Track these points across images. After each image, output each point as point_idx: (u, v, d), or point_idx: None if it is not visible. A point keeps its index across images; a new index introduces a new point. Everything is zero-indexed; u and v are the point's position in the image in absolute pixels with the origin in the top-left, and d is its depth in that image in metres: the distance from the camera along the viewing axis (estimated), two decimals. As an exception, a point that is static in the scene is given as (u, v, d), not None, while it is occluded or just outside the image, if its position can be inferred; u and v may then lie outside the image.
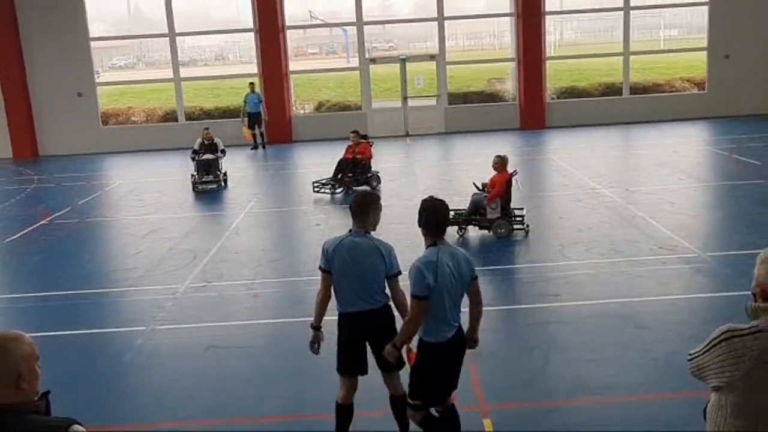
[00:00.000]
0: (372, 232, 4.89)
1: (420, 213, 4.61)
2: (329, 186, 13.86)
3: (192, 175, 15.09)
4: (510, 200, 10.43)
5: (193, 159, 15.35)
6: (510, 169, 10.51)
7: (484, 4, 27.16)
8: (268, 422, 5.71)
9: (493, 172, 10.42)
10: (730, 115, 21.17)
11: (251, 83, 21.00)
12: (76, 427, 2.39)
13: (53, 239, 11.87)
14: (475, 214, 10.48)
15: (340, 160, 14.19)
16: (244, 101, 20.76)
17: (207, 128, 15.93)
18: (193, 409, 5.96)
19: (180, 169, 19.31)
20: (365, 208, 4.84)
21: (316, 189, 13.67)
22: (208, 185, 14.91)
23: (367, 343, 4.86)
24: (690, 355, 3.03)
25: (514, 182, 10.46)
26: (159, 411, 5.98)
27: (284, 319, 7.70)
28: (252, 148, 20.49)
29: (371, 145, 14.42)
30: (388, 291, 4.88)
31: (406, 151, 19.71)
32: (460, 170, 16.48)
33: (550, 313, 7.67)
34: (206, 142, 15.46)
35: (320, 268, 4.83)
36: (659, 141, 18.30)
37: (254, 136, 20.64)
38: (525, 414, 5.68)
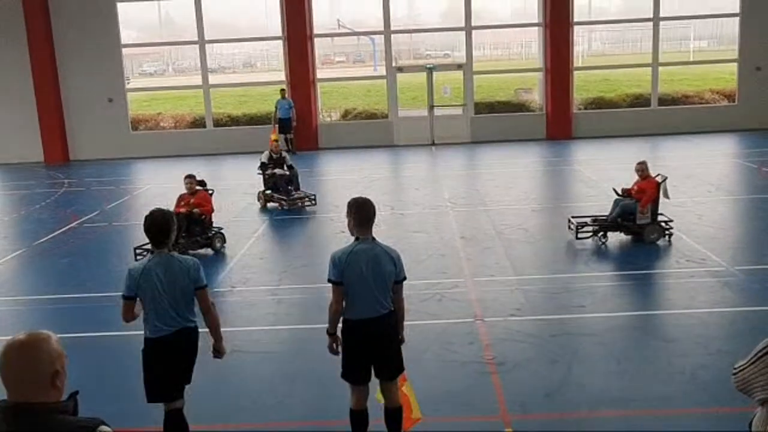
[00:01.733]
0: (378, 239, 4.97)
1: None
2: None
3: (260, 193, 13.97)
4: (658, 206, 10.36)
5: (262, 173, 14.01)
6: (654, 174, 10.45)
7: (512, 13, 27.12)
8: (289, 427, 5.73)
9: (635, 178, 10.46)
10: (760, 127, 20.90)
11: (282, 89, 21.16)
12: (104, 427, 2.42)
13: (82, 242, 12.04)
14: (623, 220, 10.39)
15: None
16: (276, 107, 20.92)
17: (276, 140, 14.74)
18: (215, 412, 6.00)
19: (206, 174, 19.49)
20: (369, 214, 4.84)
21: (138, 257, 10.14)
22: (288, 203, 13.41)
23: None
24: (735, 369, 2.98)
25: (662, 188, 10.36)
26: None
27: (307, 325, 7.72)
28: (287, 152, 20.61)
29: (211, 195, 11.32)
30: None
31: (431, 159, 19.71)
32: (485, 180, 16.45)
33: (572, 324, 7.62)
34: (274, 155, 14.12)
35: (331, 280, 4.78)
36: (688, 153, 18.12)
37: (287, 141, 20.76)
38: (548, 425, 5.65)
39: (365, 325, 4.78)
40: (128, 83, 23.27)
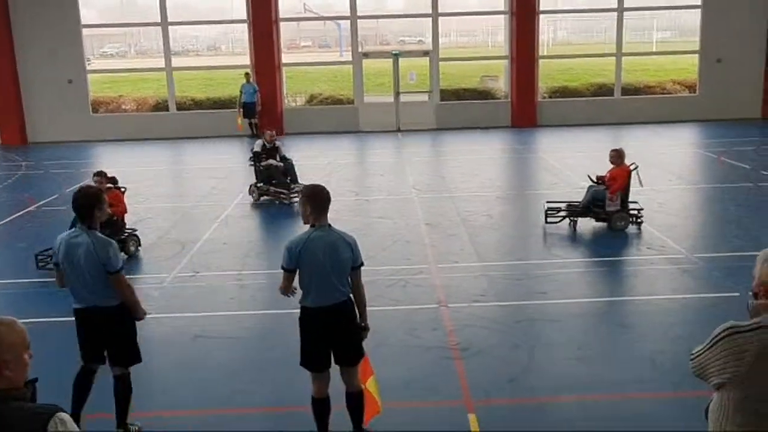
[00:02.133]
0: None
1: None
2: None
3: (252, 186, 13.04)
4: (628, 194, 10.42)
5: (254, 164, 13.18)
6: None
7: (479, 1, 27.15)
8: (253, 413, 5.71)
9: (609, 166, 10.46)
10: (720, 118, 21.28)
11: (247, 73, 20.95)
12: (61, 414, 2.38)
13: (40, 226, 11.80)
14: (593, 206, 10.45)
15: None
16: (240, 91, 20.72)
17: (272, 130, 13.73)
18: (179, 398, 5.95)
19: (168, 159, 19.27)
20: (326, 202, 4.80)
21: (41, 265, 9.24)
22: (281, 197, 12.67)
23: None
24: (692, 354, 3.03)
25: (634, 176, 10.43)
26: (144, 399, 5.94)
27: (271, 310, 7.68)
28: (250, 137, 20.48)
29: (124, 193, 10.08)
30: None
31: (397, 146, 19.70)
32: (450, 166, 16.49)
33: (535, 311, 7.69)
34: (268, 145, 13.20)
35: (283, 267, 4.79)
36: (649, 142, 18.37)
37: (251, 125, 20.60)
38: (510, 410, 5.69)
39: (323, 313, 4.74)
40: (89, 64, 22.80)
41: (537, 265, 9.08)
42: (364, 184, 14.84)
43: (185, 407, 5.79)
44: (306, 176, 15.72)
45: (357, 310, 4.91)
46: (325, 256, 4.65)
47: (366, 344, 6.56)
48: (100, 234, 5.01)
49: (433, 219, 11.44)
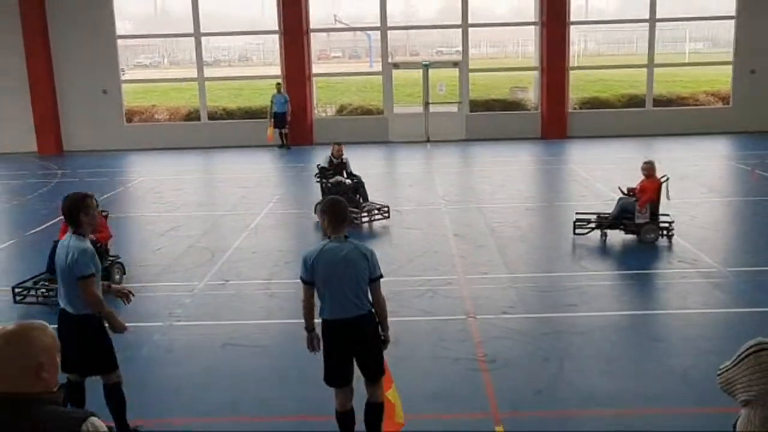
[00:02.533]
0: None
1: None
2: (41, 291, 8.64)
3: (318, 204, 11.22)
4: (659, 206, 10.38)
5: (320, 181, 12.27)
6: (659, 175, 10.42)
7: (509, 11, 27.12)
8: (280, 422, 5.74)
9: (641, 177, 10.44)
10: (754, 130, 20.99)
11: (278, 83, 21.11)
12: (93, 419, 2.41)
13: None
14: (622, 218, 10.41)
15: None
16: (271, 101, 20.86)
17: (339, 143, 12.66)
18: (207, 405, 6.00)
19: (199, 168, 19.49)
20: (342, 213, 4.81)
21: (18, 296, 8.58)
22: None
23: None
24: (720, 369, 3.00)
25: (664, 188, 10.38)
26: (173, 406, 6.04)
27: (299, 319, 7.67)
28: (280, 147, 20.64)
29: (106, 217, 9.46)
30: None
31: (426, 156, 19.72)
32: (479, 177, 16.47)
33: (564, 323, 7.65)
34: (335, 160, 12.36)
35: (301, 278, 4.81)
36: (681, 154, 18.17)
37: (281, 135, 20.75)
38: (538, 423, 5.67)
39: (341, 325, 4.73)
40: (123, 75, 23.18)
41: (566, 277, 9.03)
42: (393, 194, 14.86)
43: (214, 415, 5.84)
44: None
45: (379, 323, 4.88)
46: (339, 268, 4.65)
47: (393, 355, 6.58)
48: (80, 239, 4.97)
49: (461, 230, 11.43)
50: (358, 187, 12.18)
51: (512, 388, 6.12)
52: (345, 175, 12.32)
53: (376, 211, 11.85)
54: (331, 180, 12.12)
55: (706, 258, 9.53)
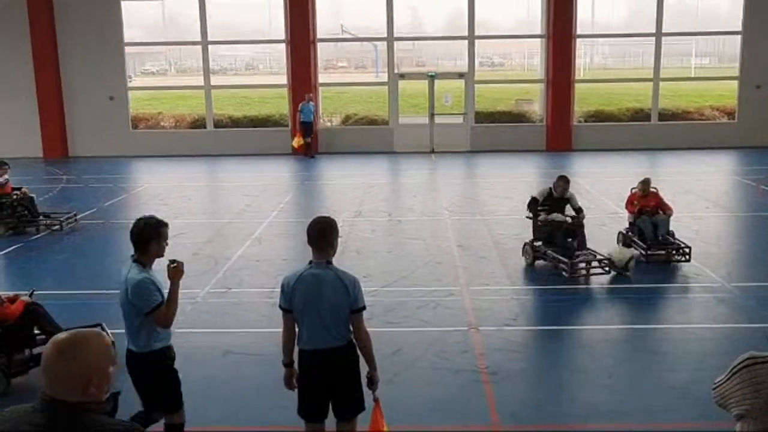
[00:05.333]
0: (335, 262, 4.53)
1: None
2: None
3: (527, 244, 9.99)
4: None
5: (533, 217, 10.07)
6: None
7: (515, 24, 27.20)
8: (282, 430, 5.72)
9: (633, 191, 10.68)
10: (759, 145, 20.97)
11: (308, 94, 20.96)
12: None
13: (78, 239, 12.03)
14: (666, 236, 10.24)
15: None
16: (300, 110, 20.80)
17: (300, 144, 10.60)
18: (207, 414, 5.99)
19: (204, 176, 19.52)
20: (326, 235, 4.42)
21: None
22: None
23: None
24: (714, 384, 3.01)
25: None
26: (173, 414, 6.02)
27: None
28: (311, 157, 20.66)
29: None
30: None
31: (430, 167, 19.74)
32: (483, 189, 16.48)
33: (566, 336, 7.63)
34: (555, 194, 10.08)
35: (279, 306, 4.49)
36: (686, 169, 18.16)
37: (307, 146, 20.74)
38: (538, 436, 5.65)
39: (316, 357, 4.37)
40: (130, 82, 23.29)
41: (568, 290, 9.00)
42: (397, 204, 14.88)
43: (213, 424, 5.84)
44: (339, 197, 15.88)
45: (364, 358, 4.49)
46: (316, 297, 4.31)
47: (395, 366, 6.58)
48: (140, 268, 4.76)
49: (465, 241, 11.42)
50: (577, 229, 9.76)
51: (513, 401, 6.11)
52: (565, 212, 10.06)
53: (595, 263, 9.37)
54: (540, 218, 9.92)
55: (710, 272, 9.51)
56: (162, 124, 23.48)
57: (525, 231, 11.95)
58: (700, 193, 14.77)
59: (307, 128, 20.66)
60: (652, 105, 22.26)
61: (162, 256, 4.85)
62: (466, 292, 8.92)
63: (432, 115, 22.21)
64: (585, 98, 24.28)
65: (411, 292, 8.86)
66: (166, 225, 4.91)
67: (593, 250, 9.58)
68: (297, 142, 20.53)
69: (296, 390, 4.62)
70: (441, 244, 11.23)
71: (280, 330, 4.62)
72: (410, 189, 16.82)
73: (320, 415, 4.55)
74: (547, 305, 8.69)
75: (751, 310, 8.21)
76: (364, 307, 4.42)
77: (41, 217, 12.62)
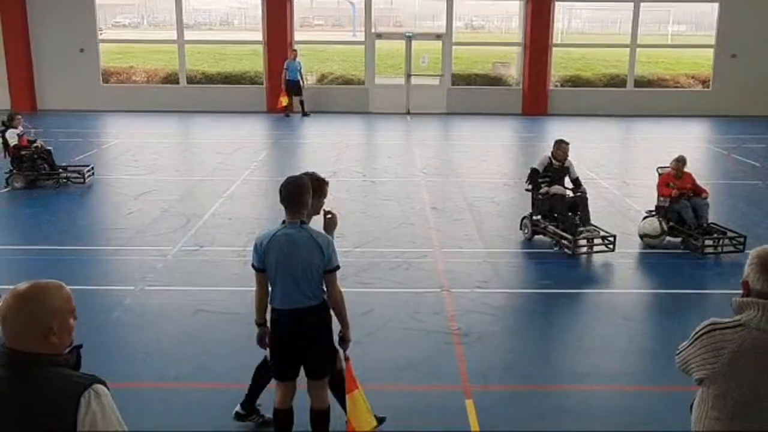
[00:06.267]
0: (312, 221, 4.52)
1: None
2: None
3: (526, 218, 9.52)
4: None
5: (531, 189, 9.50)
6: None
7: (495, -14, 26.93)
8: (251, 389, 5.72)
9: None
10: (733, 114, 21.13)
11: (294, 50, 20.68)
12: (99, 387, 2.35)
13: (46, 194, 11.82)
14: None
15: None
16: (285, 68, 20.48)
17: (564, 142, 9.43)
18: (177, 371, 5.97)
19: (177, 132, 19.26)
20: (299, 195, 4.36)
21: None
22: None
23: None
24: (677, 350, 3.08)
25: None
26: (144, 370, 5.99)
27: (274, 288, 7.69)
28: (304, 115, 20.38)
29: None
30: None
31: (406, 129, 19.64)
32: (459, 151, 16.44)
33: (539, 299, 7.69)
34: (556, 163, 9.43)
35: (253, 266, 4.46)
36: (660, 135, 18.25)
37: (300, 104, 20.45)
38: (507, 397, 5.70)
39: (288, 316, 4.37)
40: (101, 34, 22.72)
41: (541, 254, 9.04)
42: (371, 165, 14.81)
43: (184, 380, 5.81)
44: (315, 156, 15.76)
45: (336, 317, 4.48)
46: (289, 256, 4.28)
47: (366, 326, 6.59)
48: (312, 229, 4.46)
49: (439, 203, 11.42)
50: (579, 202, 9.32)
51: (484, 362, 6.15)
52: (566, 183, 9.58)
53: (599, 240, 8.96)
54: (541, 191, 9.32)
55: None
56: (134, 78, 23.04)
57: (499, 195, 12.01)
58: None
59: (293, 86, 20.39)
60: (628, 71, 22.28)
61: (318, 213, 4.73)
62: (440, 254, 8.93)
63: (409, 76, 22.03)
64: (562, 63, 24.23)
65: (384, 253, 8.85)
66: (327, 183, 4.86)
67: (597, 226, 9.15)
68: (283, 101, 20.28)
69: (268, 349, 4.62)
70: (415, 206, 11.21)
71: (253, 289, 4.59)
72: (385, 150, 16.74)
73: (292, 374, 4.56)
74: (518, 269, 8.73)
75: (720, 276, 8.34)
76: (337, 267, 4.39)
77: (60, 170, 12.31)
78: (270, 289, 4.45)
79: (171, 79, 22.62)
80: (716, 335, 2.84)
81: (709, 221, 9.29)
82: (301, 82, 20.57)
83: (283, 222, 4.41)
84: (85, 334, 6.46)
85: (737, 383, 2.80)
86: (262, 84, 21.79)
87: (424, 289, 7.78)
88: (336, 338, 4.56)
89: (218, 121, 19.95)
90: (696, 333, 2.93)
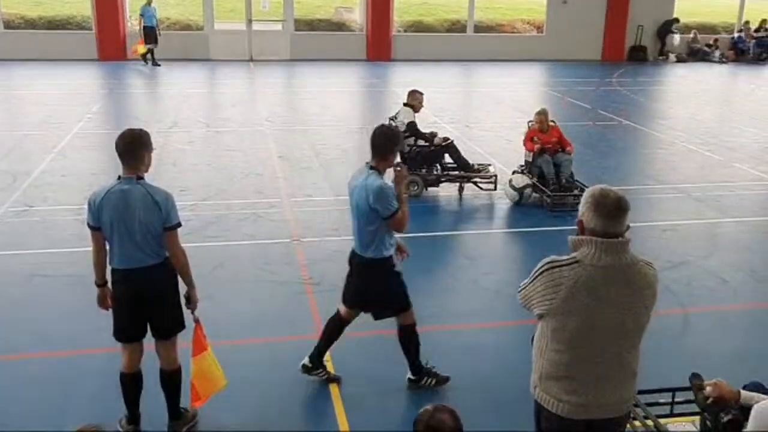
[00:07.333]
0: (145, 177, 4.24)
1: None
2: None
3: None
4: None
5: (412, 146, 9.35)
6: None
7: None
8: (94, 353, 5.44)
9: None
10: (565, 59, 22.21)
11: None
12: None
13: None
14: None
15: None
16: (141, 14, 19.14)
17: (144, 52, 8.52)
18: (12, 342, 5.57)
19: (-1, 83, 17.72)
20: (135, 148, 4.14)
21: None
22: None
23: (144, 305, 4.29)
24: (519, 287, 3.20)
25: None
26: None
27: (115, 246, 7.31)
28: (155, 65, 19.22)
29: None
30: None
31: (249, 76, 19.14)
32: (304, 99, 16.26)
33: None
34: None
35: (88, 224, 4.21)
36: (499, 80, 18.90)
37: (151, 51, 19.24)
38: (359, 343, 5.77)
39: (129, 276, 4.18)
40: None
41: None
42: (214, 115, 14.34)
43: (20, 351, 5.43)
44: (153, 106, 15.03)
45: (180, 276, 4.31)
46: (125, 213, 4.08)
47: (216, 280, 6.45)
48: (379, 177, 4.65)
49: (286, 152, 11.26)
50: (451, 149, 9.43)
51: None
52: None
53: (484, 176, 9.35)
54: (419, 143, 9.33)
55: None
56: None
57: (345, 142, 12.01)
58: (511, 104, 15.44)
59: (152, 34, 19.23)
60: (468, 17, 22.78)
61: (392, 167, 4.76)
62: (288, 204, 8.84)
63: (249, 21, 21.39)
64: (404, 8, 24.38)
65: (231, 205, 8.64)
66: (401, 135, 4.88)
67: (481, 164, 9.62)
68: (140, 48, 19.10)
69: (111, 311, 4.40)
70: (261, 156, 11.00)
71: (91, 249, 4.31)
72: (228, 99, 16.26)
73: (136, 335, 4.38)
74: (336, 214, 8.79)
75: (557, 218, 8.77)
76: (178, 224, 4.22)
77: None
78: (108, 248, 4.23)
79: (-14, 24, 20.68)
80: (554, 272, 2.98)
81: (574, 177, 9.21)
82: (156, 30, 19.44)
83: (119, 177, 4.17)
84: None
85: (574, 316, 2.95)
86: (91, 30, 20.41)
87: (275, 240, 7.69)
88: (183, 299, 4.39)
89: (43, 69, 18.55)
90: (536, 270, 3.07)
